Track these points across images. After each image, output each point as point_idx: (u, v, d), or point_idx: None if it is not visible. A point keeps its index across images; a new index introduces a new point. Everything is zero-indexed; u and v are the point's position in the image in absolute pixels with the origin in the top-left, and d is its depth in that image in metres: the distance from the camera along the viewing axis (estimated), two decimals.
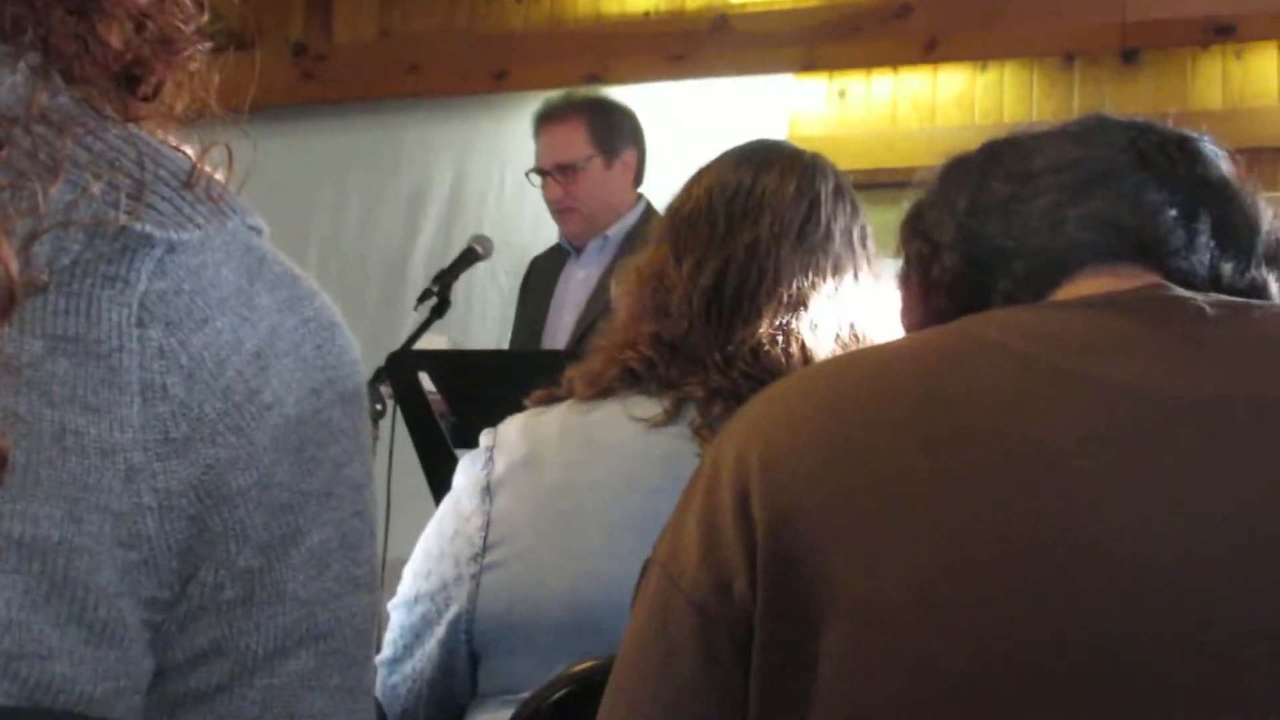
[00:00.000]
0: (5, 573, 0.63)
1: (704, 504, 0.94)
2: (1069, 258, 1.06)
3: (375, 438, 2.65)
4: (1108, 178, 1.08)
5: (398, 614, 1.62)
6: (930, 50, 4.53)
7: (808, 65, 4.67)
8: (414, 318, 3.42)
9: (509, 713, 1.45)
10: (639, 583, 1.00)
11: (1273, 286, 1.09)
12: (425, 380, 2.73)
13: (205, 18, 0.77)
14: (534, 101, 3.84)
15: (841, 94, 4.73)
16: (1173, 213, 1.06)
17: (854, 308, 1.63)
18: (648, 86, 4.65)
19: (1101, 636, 0.80)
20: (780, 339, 1.58)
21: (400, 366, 2.76)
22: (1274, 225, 1.10)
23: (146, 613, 0.68)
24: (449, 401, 2.72)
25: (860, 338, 1.62)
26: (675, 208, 1.71)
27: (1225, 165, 1.10)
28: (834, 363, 1.03)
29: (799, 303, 1.60)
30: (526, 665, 1.53)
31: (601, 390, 1.63)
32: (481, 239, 3.50)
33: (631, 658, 0.97)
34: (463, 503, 1.62)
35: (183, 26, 0.76)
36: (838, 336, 1.60)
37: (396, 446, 3.05)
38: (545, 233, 3.89)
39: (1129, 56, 4.46)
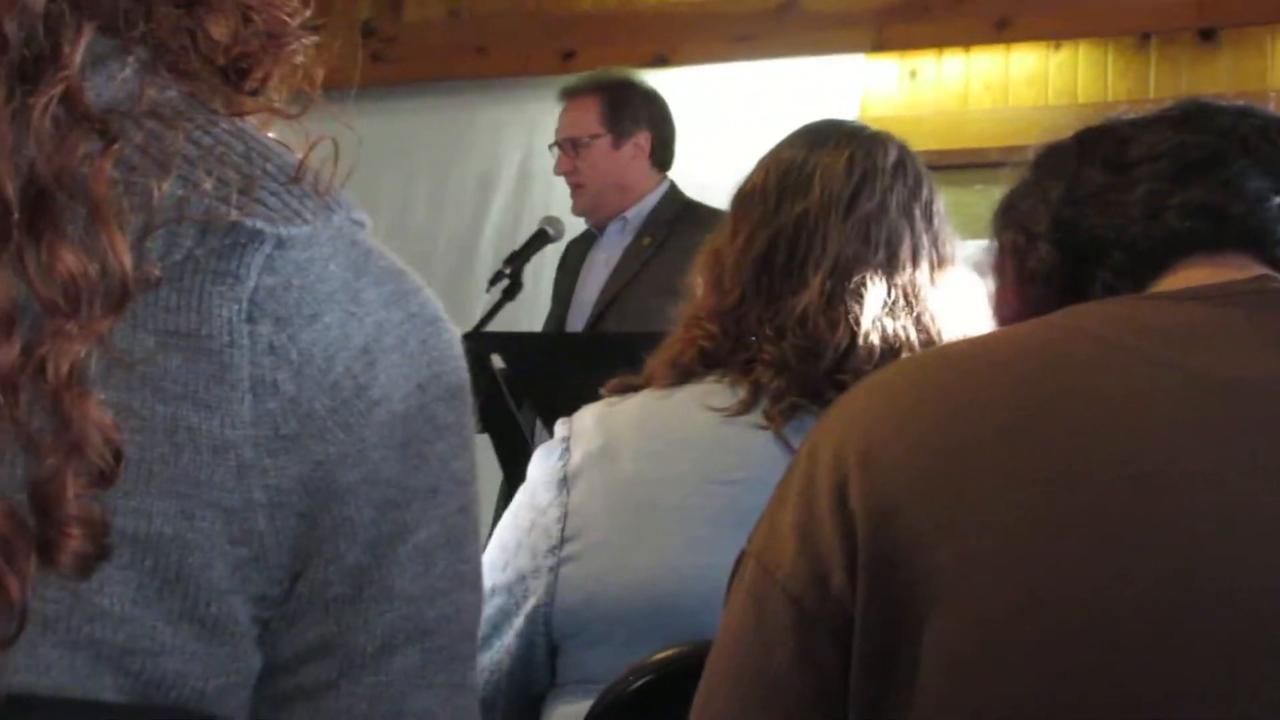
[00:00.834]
0: (119, 568, 0.64)
1: (800, 497, 0.93)
2: (1169, 248, 1.05)
3: None
4: (1208, 165, 1.06)
5: None
6: (1002, 29, 4.48)
7: (878, 45, 4.63)
8: (484, 299, 3.43)
9: (588, 702, 1.45)
10: (733, 574, 1.00)
11: None
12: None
13: (309, 11, 0.77)
14: None
15: (912, 74, 4.69)
16: (1276, 200, 1.04)
17: (910, 279, 1.62)
18: (715, 67, 4.63)
19: (1224, 647, 0.79)
20: (827, 308, 1.58)
21: (473, 349, 2.76)
22: None
23: (256, 609, 0.69)
24: (522, 384, 2.73)
25: (915, 308, 1.61)
26: (737, 188, 1.72)
27: None
28: (934, 355, 1.02)
29: (847, 272, 1.60)
30: (604, 656, 1.53)
31: (680, 374, 1.63)
32: (552, 220, 3.51)
33: (727, 649, 0.97)
34: (539, 494, 1.62)
35: (288, 19, 0.76)
36: (886, 305, 1.59)
37: None
38: None
39: (1206, 35, 4.39)
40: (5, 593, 0.60)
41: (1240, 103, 1.12)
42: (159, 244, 0.66)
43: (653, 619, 1.51)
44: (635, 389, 1.67)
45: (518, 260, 3.37)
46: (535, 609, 1.57)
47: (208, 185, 0.67)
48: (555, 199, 4.84)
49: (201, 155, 0.69)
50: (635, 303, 3.33)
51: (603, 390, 1.71)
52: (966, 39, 4.58)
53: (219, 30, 0.73)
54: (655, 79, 4.02)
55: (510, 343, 2.92)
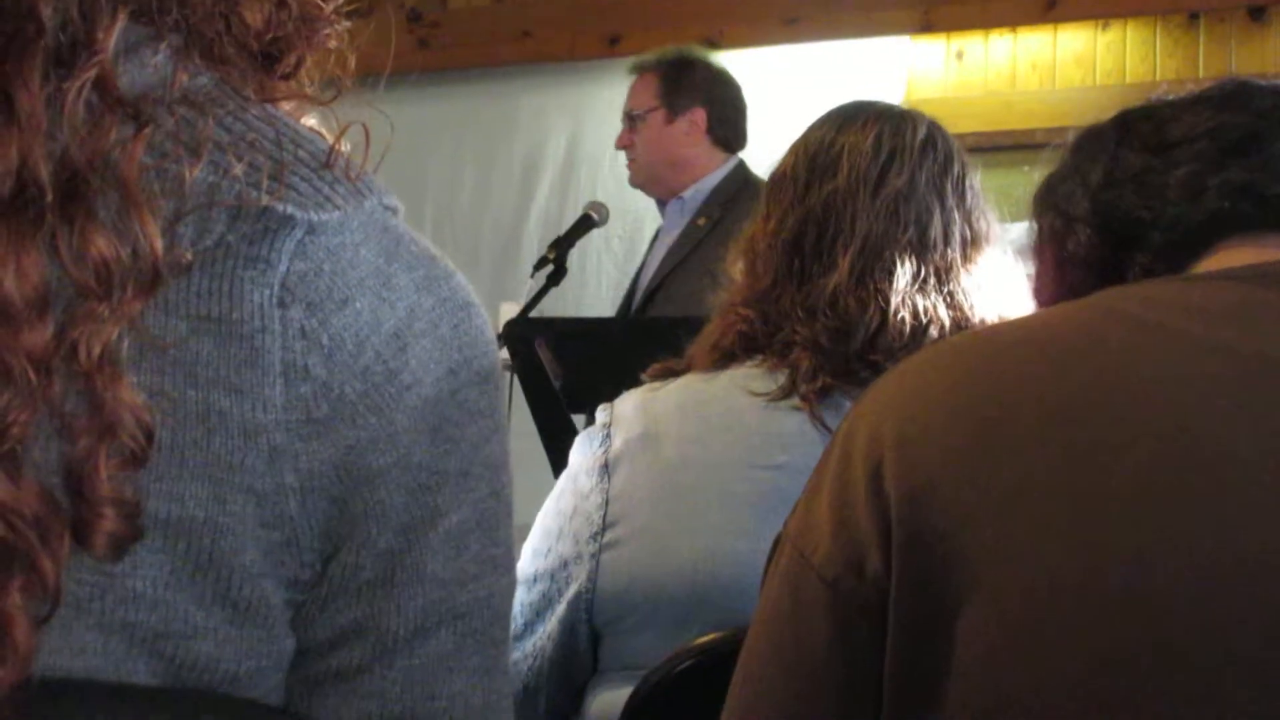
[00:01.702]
0: (151, 552, 0.64)
1: (836, 480, 0.93)
2: (1209, 229, 1.03)
3: None
4: (1248, 145, 1.05)
5: (517, 592, 1.62)
6: (1050, 9, 4.45)
7: (925, 27, 4.60)
8: (530, 284, 3.43)
9: (631, 687, 1.45)
10: (769, 559, 0.99)
11: None
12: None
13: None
14: None
15: (959, 55, 4.65)
16: None
17: (942, 256, 1.61)
18: (763, 50, 4.61)
19: (1267, 631, 0.78)
20: (857, 287, 1.58)
21: (517, 335, 2.77)
22: None
23: (288, 592, 0.69)
24: (566, 369, 2.73)
25: (947, 285, 1.60)
26: (771, 173, 1.72)
27: None
28: (970, 338, 1.01)
29: (877, 251, 1.60)
30: (648, 641, 1.53)
31: (721, 357, 1.63)
32: (597, 205, 3.50)
33: (763, 633, 0.97)
34: (580, 480, 1.62)
35: (322, 4, 0.76)
36: (917, 282, 1.58)
37: (514, 413, 3.06)
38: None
39: (1256, 14, 4.33)
40: (40, 573, 0.60)
41: None
42: (190, 229, 0.66)
43: (695, 604, 1.51)
44: (676, 374, 1.67)
45: (563, 245, 3.36)
46: (578, 595, 1.57)
47: (239, 171, 0.68)
48: (600, 184, 4.85)
49: (233, 141, 0.69)
50: (684, 285, 3.32)
51: (644, 376, 1.71)
52: (1014, 19, 4.54)
53: (253, 16, 0.74)
54: None
55: (555, 327, 2.92)
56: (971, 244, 1.63)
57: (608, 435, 1.62)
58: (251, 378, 0.66)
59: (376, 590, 0.70)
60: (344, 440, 0.68)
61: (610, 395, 1.68)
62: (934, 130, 1.67)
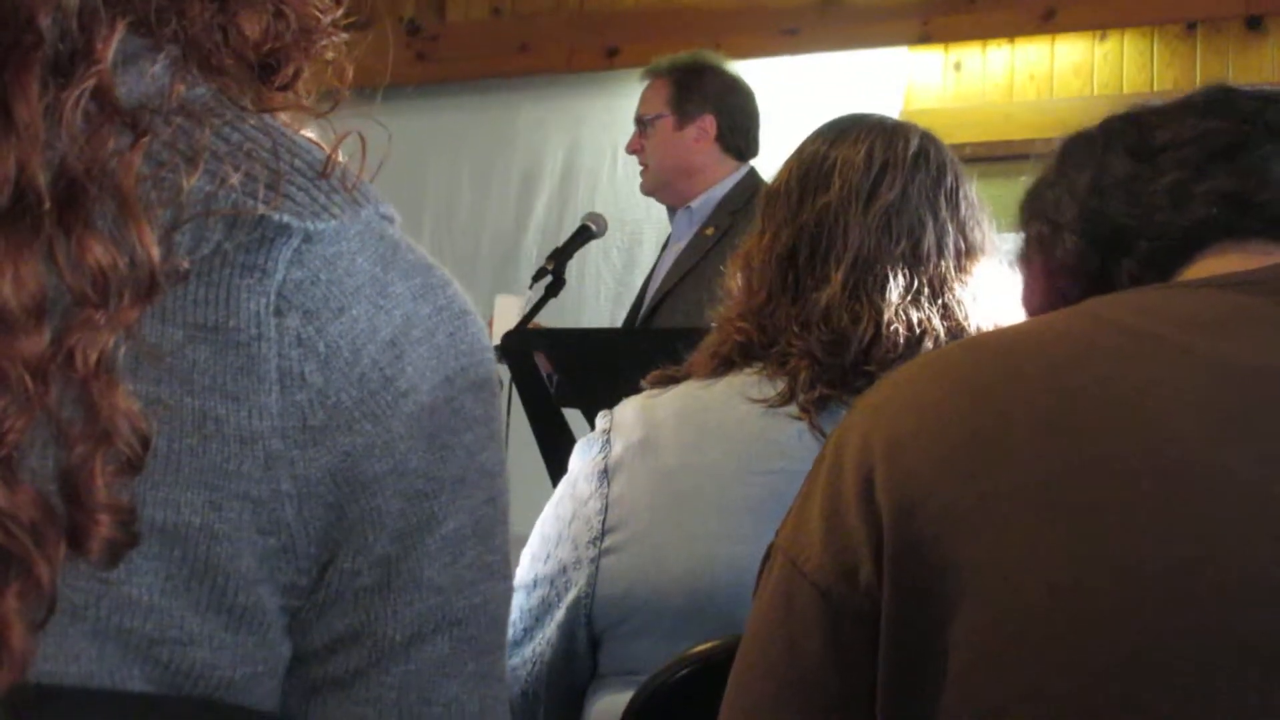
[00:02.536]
0: (147, 558, 0.65)
1: (827, 489, 0.93)
2: (1195, 236, 1.03)
3: None
4: (1234, 151, 1.05)
5: (517, 597, 1.63)
6: (1047, 20, 4.46)
7: (922, 38, 4.61)
8: (528, 296, 3.44)
9: (630, 693, 1.45)
10: (761, 568, 0.99)
11: None
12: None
13: (342, 9, 0.78)
14: None
15: (957, 66, 4.67)
16: None
17: (935, 267, 1.62)
18: (762, 61, 4.62)
19: (1254, 638, 0.78)
20: (850, 301, 1.59)
21: (516, 345, 2.78)
22: None
23: (285, 599, 0.69)
24: (564, 380, 2.73)
25: (941, 296, 1.60)
26: (766, 187, 1.73)
27: None
28: (959, 347, 1.01)
29: (869, 264, 1.61)
30: (647, 647, 1.53)
31: (720, 364, 1.63)
32: (595, 216, 3.50)
33: (755, 643, 0.96)
34: (580, 486, 1.62)
35: (320, 15, 0.76)
36: (910, 295, 1.59)
37: (512, 424, 3.07)
38: (657, 210, 3.89)
39: (1253, 24, 4.35)
40: (36, 577, 0.60)
41: (1267, 87, 1.11)
42: (187, 238, 0.67)
43: (694, 610, 1.51)
44: (675, 381, 1.68)
45: (561, 256, 3.37)
46: (577, 600, 1.58)
47: (235, 180, 0.68)
48: (599, 195, 4.86)
49: (230, 151, 0.69)
50: (691, 295, 3.31)
51: (643, 383, 1.72)
52: (1011, 30, 4.56)
53: (251, 27, 0.74)
54: None
55: (553, 338, 2.92)
56: (966, 255, 1.64)
57: (607, 441, 1.62)
58: (248, 385, 0.66)
59: (373, 597, 0.71)
60: (340, 447, 0.69)
61: (609, 405, 1.69)
62: (927, 142, 1.68)
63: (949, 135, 1.75)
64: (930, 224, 1.63)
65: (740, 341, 1.63)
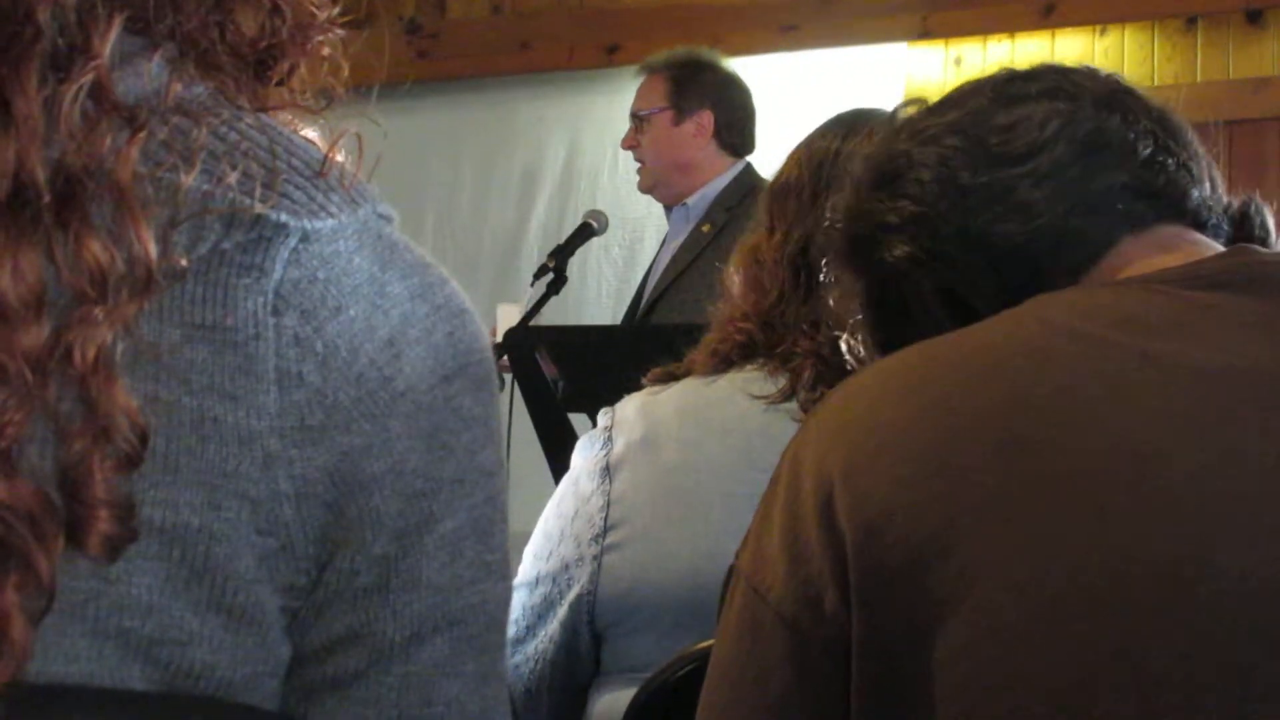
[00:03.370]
0: (146, 558, 0.65)
1: (786, 514, 0.91)
2: (1096, 235, 1.00)
3: None
4: (1098, 141, 1.02)
5: (519, 595, 1.63)
6: (1048, 14, 4.45)
7: (922, 33, 4.61)
8: (530, 293, 3.44)
9: (632, 690, 1.45)
10: (724, 591, 0.97)
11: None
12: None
13: (338, 7, 0.78)
14: None
15: (957, 61, 4.66)
16: (1169, 161, 1.02)
17: None
18: (761, 58, 4.62)
19: (1230, 638, 0.78)
20: None
21: (518, 343, 2.77)
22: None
23: (284, 599, 0.69)
24: (566, 377, 2.73)
25: None
26: (772, 182, 1.71)
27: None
28: (910, 358, 0.96)
29: None
30: (649, 644, 1.54)
31: (721, 362, 1.63)
32: (596, 214, 3.50)
33: (722, 674, 0.94)
34: (582, 483, 1.62)
35: (317, 12, 0.76)
36: None
37: (515, 421, 3.07)
38: (658, 207, 3.88)
39: (1253, 17, 4.34)
40: (35, 570, 0.61)
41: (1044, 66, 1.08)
42: (184, 237, 0.67)
43: (696, 607, 1.51)
44: (676, 378, 1.68)
45: (562, 254, 3.37)
46: (579, 598, 1.58)
47: (232, 179, 0.68)
48: (600, 193, 4.86)
49: (226, 150, 0.69)
50: (688, 291, 3.31)
51: (644, 380, 1.72)
52: (1012, 25, 4.55)
53: (248, 23, 0.74)
54: None
55: (555, 336, 2.92)
56: None
57: (609, 438, 1.62)
58: (245, 384, 0.66)
59: (372, 596, 0.70)
60: (338, 447, 0.69)
61: (611, 403, 1.69)
62: None
63: None
64: None
65: (740, 342, 1.62)
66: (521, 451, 3.00)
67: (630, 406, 1.65)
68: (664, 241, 3.69)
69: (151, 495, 0.64)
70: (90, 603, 0.64)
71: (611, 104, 4.84)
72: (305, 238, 0.68)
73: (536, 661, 1.60)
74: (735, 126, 3.60)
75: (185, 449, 0.65)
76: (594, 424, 1.70)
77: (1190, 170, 1.04)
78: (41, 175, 0.63)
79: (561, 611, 1.58)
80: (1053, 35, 4.56)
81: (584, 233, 3.45)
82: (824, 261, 1.40)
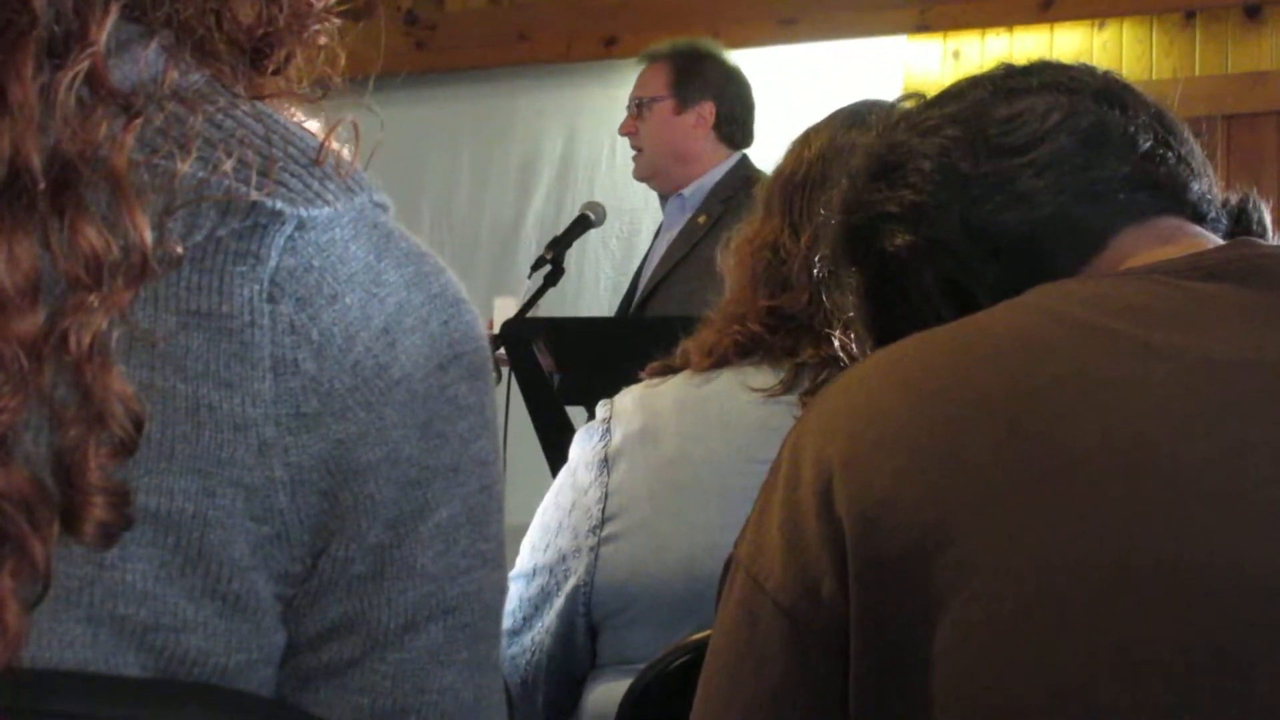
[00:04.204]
0: (141, 545, 0.65)
1: (785, 504, 0.91)
2: (1107, 223, 1.01)
3: None
4: (1100, 134, 1.02)
5: (516, 586, 1.63)
6: (1046, 8, 4.45)
7: (921, 26, 4.61)
8: (527, 285, 3.44)
9: (628, 682, 1.46)
10: (722, 581, 0.96)
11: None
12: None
13: None
14: None
15: (956, 55, 4.66)
16: (1166, 153, 1.02)
17: None
18: (759, 50, 4.61)
19: (1229, 630, 0.78)
20: None
21: (515, 335, 2.77)
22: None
23: (278, 586, 0.69)
24: (563, 369, 2.73)
25: None
26: (786, 175, 1.68)
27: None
28: (910, 347, 0.96)
29: None
30: (645, 636, 1.54)
31: (717, 360, 1.63)
32: (594, 206, 3.50)
33: (720, 663, 0.94)
34: (580, 475, 1.62)
35: (314, 1, 0.76)
36: None
37: (512, 413, 3.07)
38: (655, 199, 3.88)
39: (1252, 12, 4.34)
40: (30, 556, 0.61)
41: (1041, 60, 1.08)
42: (180, 224, 0.67)
43: (693, 599, 1.51)
44: (674, 371, 1.67)
45: (560, 246, 3.37)
46: (576, 589, 1.58)
47: (228, 167, 0.68)
48: (598, 184, 4.86)
49: (222, 137, 0.69)
50: (683, 283, 3.31)
51: (642, 373, 1.71)
52: (1010, 19, 4.55)
53: (245, 11, 0.74)
54: None
55: (552, 327, 2.92)
56: None
57: (607, 430, 1.62)
58: (241, 372, 0.66)
59: (366, 584, 0.71)
60: (333, 434, 0.69)
61: (608, 395, 1.69)
62: None
63: None
64: None
65: (740, 341, 1.62)
66: (518, 444, 3.00)
67: (629, 398, 1.65)
68: (658, 232, 3.68)
69: (146, 482, 0.64)
70: (85, 589, 0.64)
71: (609, 96, 4.84)
72: (301, 225, 0.68)
73: (533, 653, 1.60)
74: (735, 119, 3.60)
75: (180, 436, 0.65)
76: (591, 416, 1.70)
77: (1189, 164, 1.04)
78: (37, 162, 0.63)
79: (558, 603, 1.58)
80: (1051, 29, 4.56)
81: (581, 224, 3.45)
82: (818, 257, 1.39)
